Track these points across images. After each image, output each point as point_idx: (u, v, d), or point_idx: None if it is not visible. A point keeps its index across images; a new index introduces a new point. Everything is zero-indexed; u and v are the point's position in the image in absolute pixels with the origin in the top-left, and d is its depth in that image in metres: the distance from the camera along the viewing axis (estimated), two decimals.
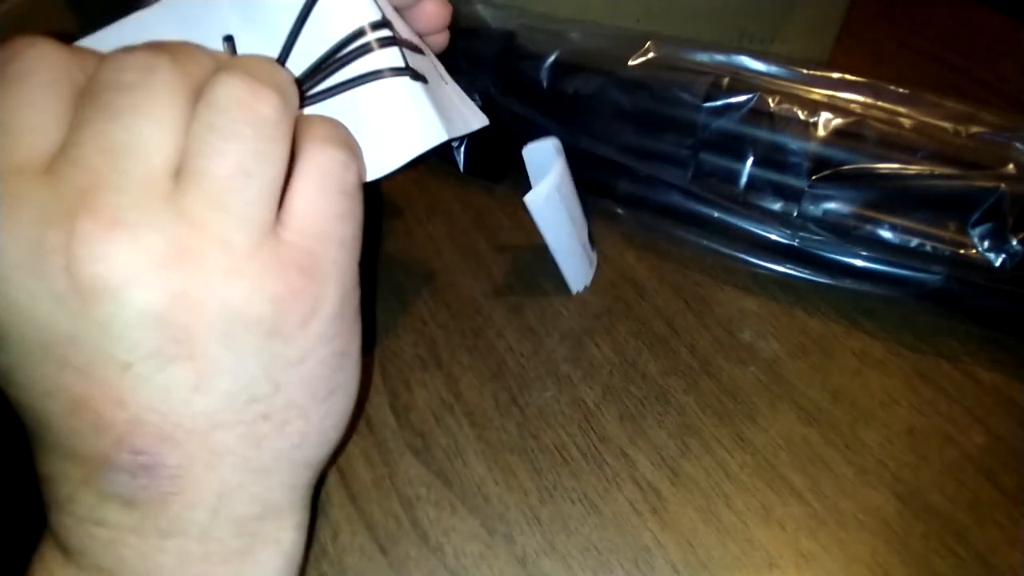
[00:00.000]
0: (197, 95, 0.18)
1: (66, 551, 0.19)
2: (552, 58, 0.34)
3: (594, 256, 0.33)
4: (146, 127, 0.17)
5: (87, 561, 0.18)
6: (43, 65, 0.18)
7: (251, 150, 0.17)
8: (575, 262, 0.32)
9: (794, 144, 0.31)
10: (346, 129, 0.21)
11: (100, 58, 0.18)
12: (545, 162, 0.28)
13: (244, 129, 0.17)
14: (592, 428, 0.28)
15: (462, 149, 0.37)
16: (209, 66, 0.19)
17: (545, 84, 0.34)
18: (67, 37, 0.20)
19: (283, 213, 0.19)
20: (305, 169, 0.19)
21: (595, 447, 0.28)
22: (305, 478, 0.21)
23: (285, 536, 0.21)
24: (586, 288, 0.33)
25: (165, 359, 0.17)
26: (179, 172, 0.17)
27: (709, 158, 0.33)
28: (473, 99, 0.27)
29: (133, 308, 0.16)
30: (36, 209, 0.16)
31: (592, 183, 0.36)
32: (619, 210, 0.36)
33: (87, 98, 0.17)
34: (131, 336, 0.16)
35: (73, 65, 0.18)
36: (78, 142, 0.17)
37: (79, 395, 0.17)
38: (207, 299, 0.17)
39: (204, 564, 0.19)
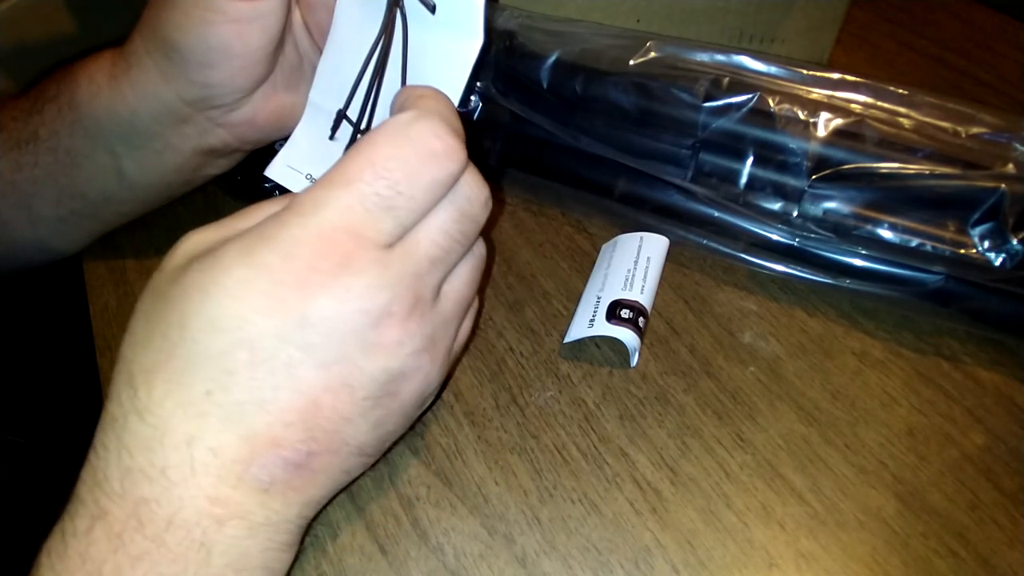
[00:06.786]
0: None
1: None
2: (552, 58, 0.34)
3: (596, 332, 0.30)
4: None
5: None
6: None
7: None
8: (585, 317, 0.30)
9: (794, 144, 0.31)
10: None
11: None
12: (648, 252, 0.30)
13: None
14: (592, 428, 0.28)
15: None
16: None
17: (545, 84, 0.34)
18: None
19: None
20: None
21: (595, 447, 0.28)
22: None
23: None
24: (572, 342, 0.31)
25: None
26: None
27: (709, 158, 0.33)
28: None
29: None
30: None
31: (592, 183, 0.36)
32: (619, 210, 0.36)
33: None
34: None
35: None
36: None
37: None
38: None
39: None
